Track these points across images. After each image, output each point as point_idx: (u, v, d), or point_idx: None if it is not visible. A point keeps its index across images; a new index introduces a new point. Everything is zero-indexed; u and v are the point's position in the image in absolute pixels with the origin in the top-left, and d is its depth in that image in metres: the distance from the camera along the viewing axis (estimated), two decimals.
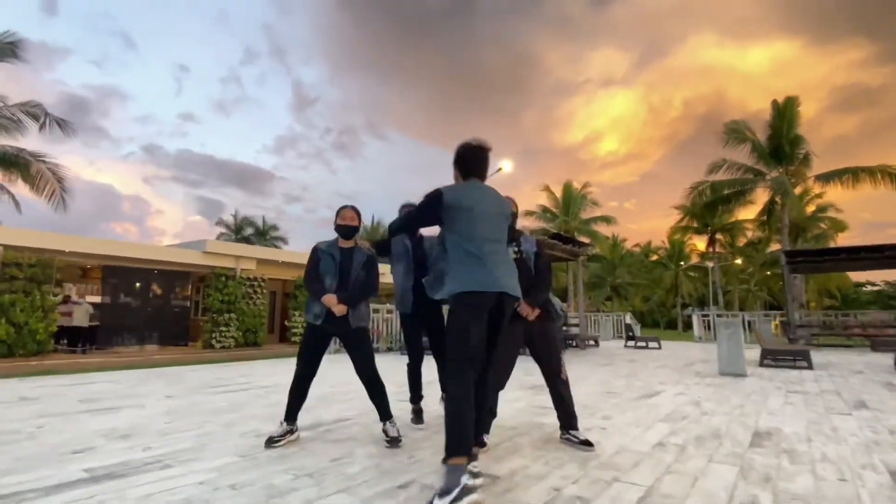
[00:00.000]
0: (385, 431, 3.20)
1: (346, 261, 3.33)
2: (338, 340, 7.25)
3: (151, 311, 16.34)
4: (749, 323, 15.18)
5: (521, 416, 3.98)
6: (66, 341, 14.19)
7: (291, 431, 3.26)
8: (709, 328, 16.56)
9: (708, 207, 22.25)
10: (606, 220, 30.36)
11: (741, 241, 32.66)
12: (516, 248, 3.25)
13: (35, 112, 15.08)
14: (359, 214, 3.46)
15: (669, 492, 2.25)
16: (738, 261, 36.13)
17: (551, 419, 3.84)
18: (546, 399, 4.56)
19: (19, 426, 3.76)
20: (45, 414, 4.23)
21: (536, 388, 5.42)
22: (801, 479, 2.45)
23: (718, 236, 31.63)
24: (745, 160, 20.60)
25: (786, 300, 13.30)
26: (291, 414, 3.29)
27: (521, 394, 5.04)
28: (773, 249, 30.48)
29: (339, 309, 3.18)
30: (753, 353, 9.60)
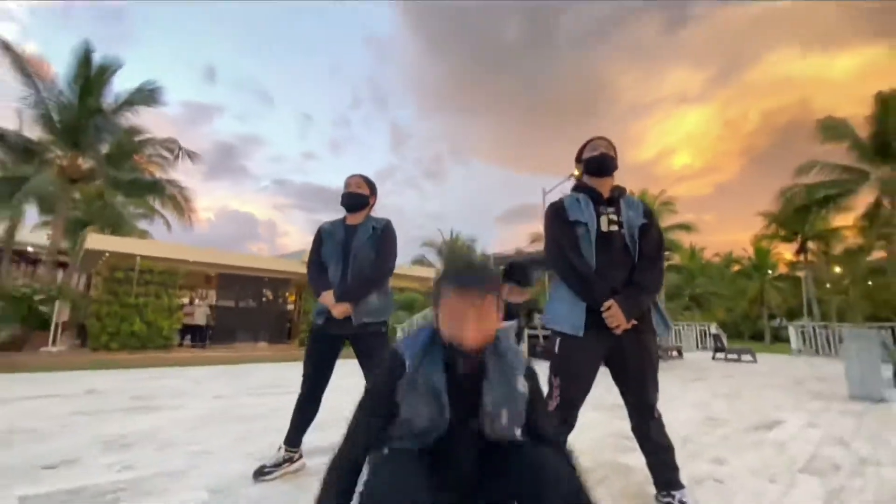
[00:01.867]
0: None
1: (351, 240, 2.30)
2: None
3: (259, 313, 16.62)
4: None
5: (597, 452, 2.72)
6: (189, 337, 14.73)
7: (291, 460, 2.27)
8: (805, 341, 13.69)
9: (799, 213, 18.74)
10: (686, 227, 27.06)
11: (837, 249, 27.69)
12: (614, 216, 1.91)
13: (171, 146, 16.06)
14: (369, 183, 2.43)
15: None
16: (837, 269, 30.81)
17: (639, 459, 2.54)
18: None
19: (43, 424, 3.15)
20: (82, 412, 3.62)
21: (617, 410, 4.06)
22: None
23: (810, 244, 26.99)
24: (840, 160, 17.13)
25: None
26: (293, 437, 2.31)
27: (598, 417, 3.70)
28: (877, 257, 25.49)
29: (340, 311, 2.16)
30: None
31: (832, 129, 16.72)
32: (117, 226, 22.84)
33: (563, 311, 1.87)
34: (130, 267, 12.65)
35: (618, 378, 1.96)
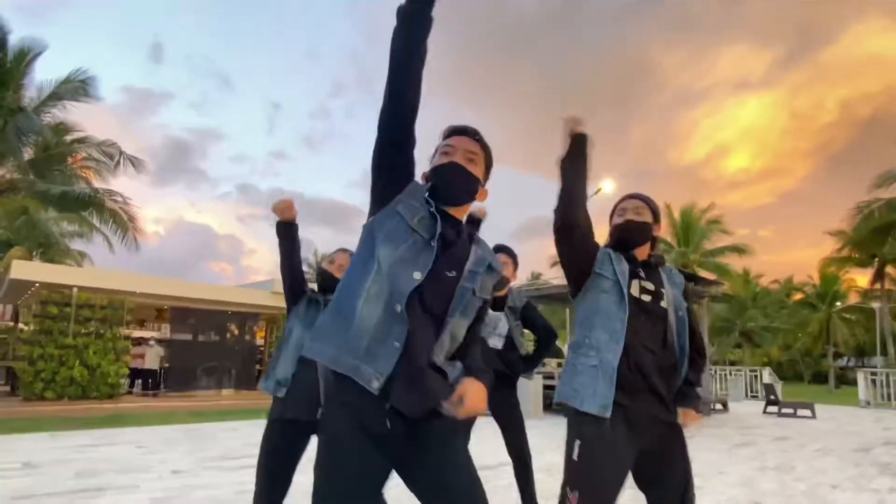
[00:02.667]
0: None
1: None
2: None
3: (223, 353, 16.67)
4: None
5: None
6: (140, 382, 14.83)
7: None
8: (878, 388, 13.77)
9: (878, 233, 18.65)
10: (738, 250, 27.18)
11: None
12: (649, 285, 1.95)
13: (111, 151, 15.92)
14: None
15: None
16: None
17: None
18: None
19: None
20: (18, 496, 3.73)
21: None
22: None
23: (889, 269, 27.08)
24: None
25: None
26: None
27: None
28: None
29: None
30: None
31: None
32: (47, 246, 22.85)
33: (585, 382, 1.77)
34: (66, 301, 12.65)
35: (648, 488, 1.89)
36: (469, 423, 1.76)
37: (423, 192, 1.42)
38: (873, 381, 13.98)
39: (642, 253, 1.98)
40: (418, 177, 1.47)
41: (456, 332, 1.36)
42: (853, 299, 35.21)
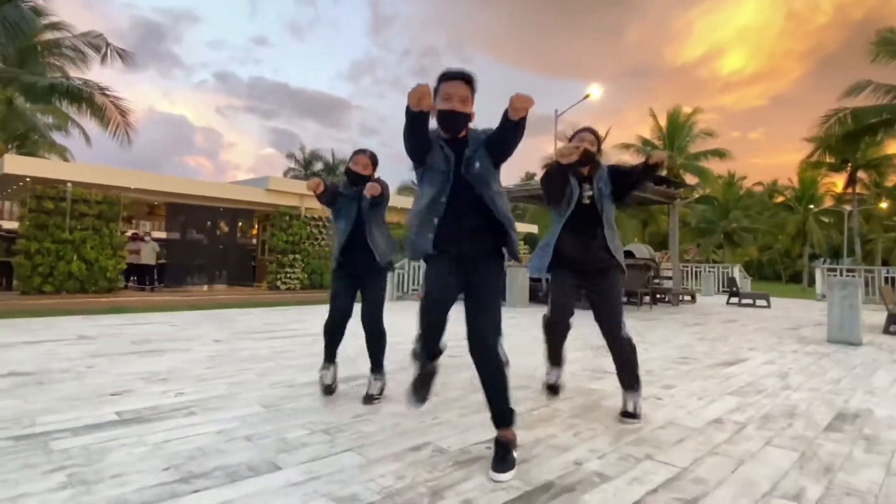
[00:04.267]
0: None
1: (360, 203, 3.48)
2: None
3: (217, 250, 17.54)
4: (890, 280, 13.92)
5: (570, 380, 3.99)
6: (135, 279, 15.61)
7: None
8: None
9: (848, 140, 19.85)
10: (720, 154, 28.27)
11: (890, 181, 29.24)
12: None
13: (97, 43, 16.05)
14: (374, 162, 3.56)
15: (704, 476, 2.21)
16: (884, 205, 32.62)
17: (603, 385, 3.84)
18: (608, 363, 4.51)
19: (70, 365, 4.31)
20: (96, 354, 4.80)
21: (600, 350, 5.38)
22: (868, 472, 2.31)
23: (861, 174, 28.51)
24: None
25: None
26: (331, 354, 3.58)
27: (581, 355, 5.03)
28: None
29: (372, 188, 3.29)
30: (879, 316, 8.81)
31: (891, 43, 17.40)
32: (25, 138, 22.87)
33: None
34: (61, 195, 13.14)
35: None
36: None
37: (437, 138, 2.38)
38: (831, 277, 15.57)
39: (586, 170, 3.19)
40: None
41: (489, 196, 2.36)
42: (828, 202, 36.82)
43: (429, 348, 2.51)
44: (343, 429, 2.80)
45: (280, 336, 6.14)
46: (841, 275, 15.07)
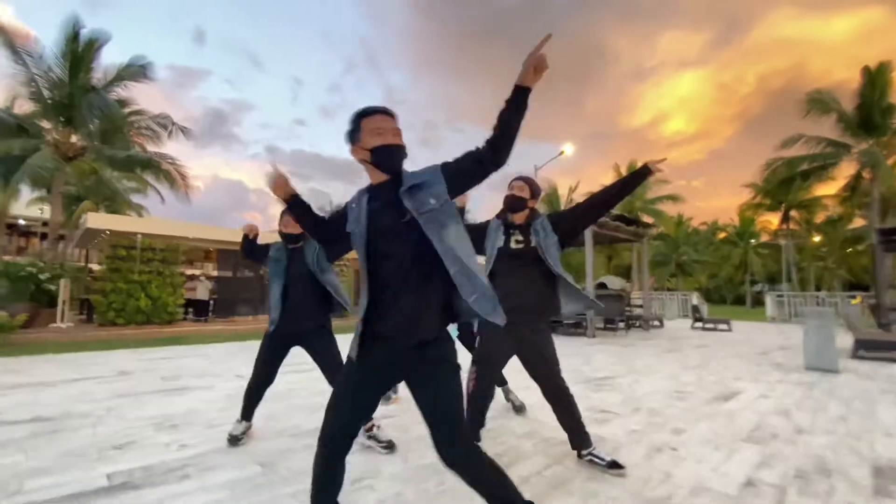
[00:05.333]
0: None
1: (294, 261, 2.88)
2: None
3: (261, 285, 16.97)
4: (830, 304, 12.99)
5: None
6: (192, 311, 15.11)
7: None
8: (783, 307, 14.43)
9: (782, 185, 19.23)
10: (672, 198, 27.65)
11: (818, 218, 28.39)
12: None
13: (164, 122, 16.04)
14: None
15: None
16: (816, 238, 31.62)
17: (612, 429, 3.03)
18: (608, 400, 3.71)
19: (92, 408, 3.56)
20: (124, 393, 4.05)
21: (595, 383, 4.55)
22: None
23: (793, 213, 27.68)
24: (826, 133, 17.38)
25: (872, 280, 11.11)
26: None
27: (577, 391, 4.21)
28: (855, 226, 26.24)
29: None
30: (840, 339, 7.89)
31: (819, 102, 16.96)
32: (111, 200, 22.84)
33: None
34: (132, 244, 12.88)
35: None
36: None
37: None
38: (779, 302, 14.64)
39: (520, 217, 2.51)
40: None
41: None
42: (765, 237, 36.05)
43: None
44: (339, 500, 2.01)
45: (299, 369, 5.34)
46: (788, 301, 14.12)
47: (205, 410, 3.51)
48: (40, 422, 3.21)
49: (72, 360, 5.94)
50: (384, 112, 1.58)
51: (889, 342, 6.38)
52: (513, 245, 2.45)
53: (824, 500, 2.04)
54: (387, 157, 1.55)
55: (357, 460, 2.47)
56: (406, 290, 1.47)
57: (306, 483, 2.12)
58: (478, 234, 2.53)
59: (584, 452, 2.42)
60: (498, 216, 2.61)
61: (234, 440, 2.75)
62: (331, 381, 2.71)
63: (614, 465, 2.30)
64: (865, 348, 6.45)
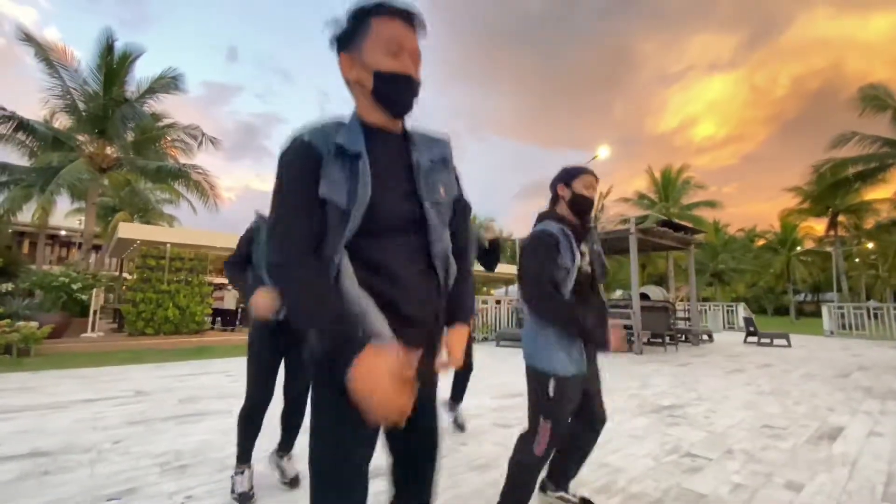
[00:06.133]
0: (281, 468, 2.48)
1: None
2: None
3: None
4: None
5: (659, 473, 2.59)
6: (219, 320, 15.06)
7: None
8: (841, 319, 13.29)
9: (831, 188, 17.92)
10: (710, 204, 26.47)
11: (868, 223, 26.60)
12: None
13: (194, 133, 16.14)
14: None
15: None
16: (870, 245, 29.69)
17: (707, 482, 2.43)
18: (689, 438, 3.05)
19: (98, 440, 3.17)
20: (136, 420, 3.66)
21: (664, 414, 3.92)
22: None
23: (841, 218, 26.00)
24: (880, 131, 16.16)
25: None
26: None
27: (646, 423, 3.60)
28: None
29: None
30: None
31: (875, 98, 15.75)
32: (145, 210, 23.32)
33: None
34: (161, 255, 12.88)
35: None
36: None
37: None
38: (838, 314, 13.50)
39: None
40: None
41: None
42: (809, 245, 34.21)
43: None
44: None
45: None
46: (849, 313, 12.98)
47: (219, 446, 3.07)
48: (36, 457, 2.82)
49: (93, 376, 5.65)
50: (408, 18, 1.01)
51: None
52: (584, 265, 1.88)
53: None
54: (396, 93, 1.03)
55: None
56: None
57: None
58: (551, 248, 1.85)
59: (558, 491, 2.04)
60: (556, 220, 1.91)
61: (245, 498, 2.23)
62: (296, 408, 2.48)
63: None
64: None
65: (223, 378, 5.61)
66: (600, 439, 3.01)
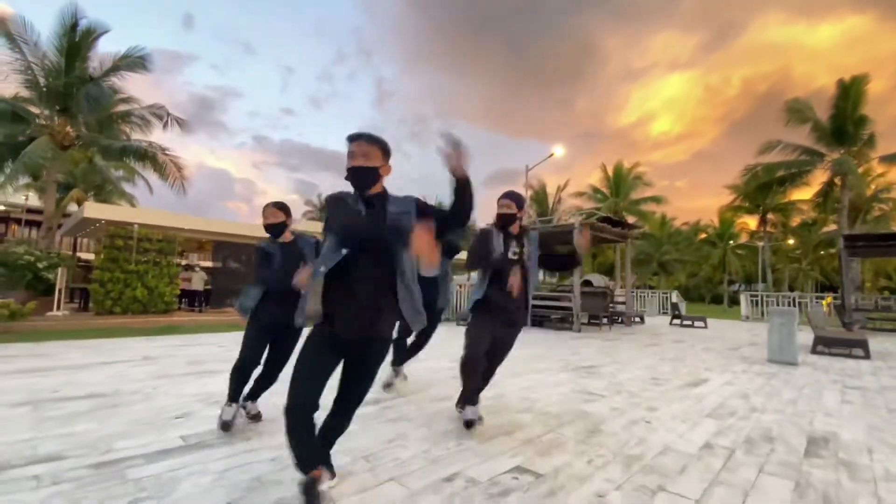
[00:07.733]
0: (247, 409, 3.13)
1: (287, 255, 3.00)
2: None
3: (250, 277, 17.36)
4: (800, 304, 13.85)
5: (565, 403, 3.73)
6: (186, 301, 15.35)
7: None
8: (756, 306, 15.29)
9: (761, 189, 20.25)
10: (656, 200, 28.65)
11: (794, 221, 29.67)
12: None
13: (160, 113, 16.11)
14: (284, 209, 3.10)
15: None
16: (791, 241, 32.95)
17: (597, 407, 3.59)
18: (594, 385, 4.28)
19: (139, 387, 3.99)
20: (159, 375, 4.47)
21: (582, 371, 5.12)
22: (863, 502, 2.08)
23: (770, 216, 28.91)
24: (802, 140, 18.42)
25: (839, 281, 11.94)
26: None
27: (566, 377, 4.78)
28: (828, 230, 27.51)
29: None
30: (804, 336, 8.67)
31: (797, 111, 17.85)
32: (101, 189, 22.76)
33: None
34: (128, 235, 13.05)
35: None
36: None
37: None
38: (753, 301, 15.48)
39: (515, 228, 3.04)
40: None
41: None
42: (744, 238, 37.33)
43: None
44: (380, 456, 2.52)
45: None
46: (762, 301, 14.98)
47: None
48: (97, 397, 3.62)
49: (95, 346, 6.30)
50: (358, 138, 1.88)
51: (844, 339, 7.10)
52: (510, 254, 2.95)
53: (765, 459, 2.61)
54: (351, 178, 1.89)
55: (387, 428, 2.98)
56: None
57: (351, 443, 2.65)
58: (485, 241, 2.99)
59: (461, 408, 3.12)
60: (495, 226, 3.05)
61: (227, 426, 2.84)
62: (269, 376, 3.09)
63: (469, 425, 2.90)
64: (824, 344, 7.16)
65: (216, 348, 6.41)
66: (525, 383, 4.14)
